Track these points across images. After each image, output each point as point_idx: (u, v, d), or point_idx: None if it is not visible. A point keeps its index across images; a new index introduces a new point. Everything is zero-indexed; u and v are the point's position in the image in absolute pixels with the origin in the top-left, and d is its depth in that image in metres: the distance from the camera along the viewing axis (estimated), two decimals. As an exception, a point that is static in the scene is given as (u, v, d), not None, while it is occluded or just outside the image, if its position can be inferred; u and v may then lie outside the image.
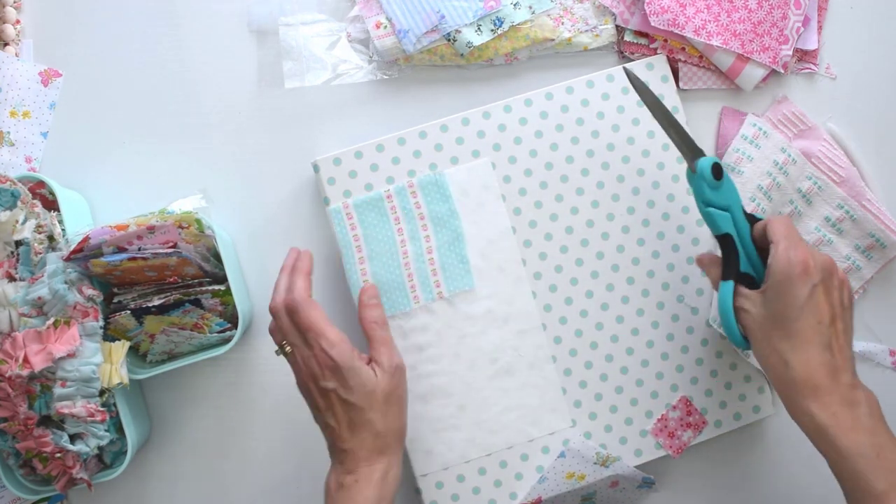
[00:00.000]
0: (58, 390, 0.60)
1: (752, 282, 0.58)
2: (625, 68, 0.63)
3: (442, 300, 0.66)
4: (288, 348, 0.59)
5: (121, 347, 0.63)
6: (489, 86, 0.71)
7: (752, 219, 0.60)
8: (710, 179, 0.58)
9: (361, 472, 0.56)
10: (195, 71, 0.71)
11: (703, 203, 0.59)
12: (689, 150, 0.60)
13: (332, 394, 0.57)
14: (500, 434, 0.66)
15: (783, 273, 0.54)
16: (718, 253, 0.60)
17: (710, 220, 0.59)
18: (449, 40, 0.68)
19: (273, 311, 0.59)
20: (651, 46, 0.70)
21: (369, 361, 0.59)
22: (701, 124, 0.71)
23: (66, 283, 0.61)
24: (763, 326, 0.55)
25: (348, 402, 0.56)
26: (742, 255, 0.58)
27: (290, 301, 0.58)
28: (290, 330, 0.58)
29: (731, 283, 0.57)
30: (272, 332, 0.60)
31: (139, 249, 0.62)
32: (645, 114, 0.68)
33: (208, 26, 0.71)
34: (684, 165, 0.68)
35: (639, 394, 0.67)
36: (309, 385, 0.58)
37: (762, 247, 0.58)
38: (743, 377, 0.68)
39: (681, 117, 0.69)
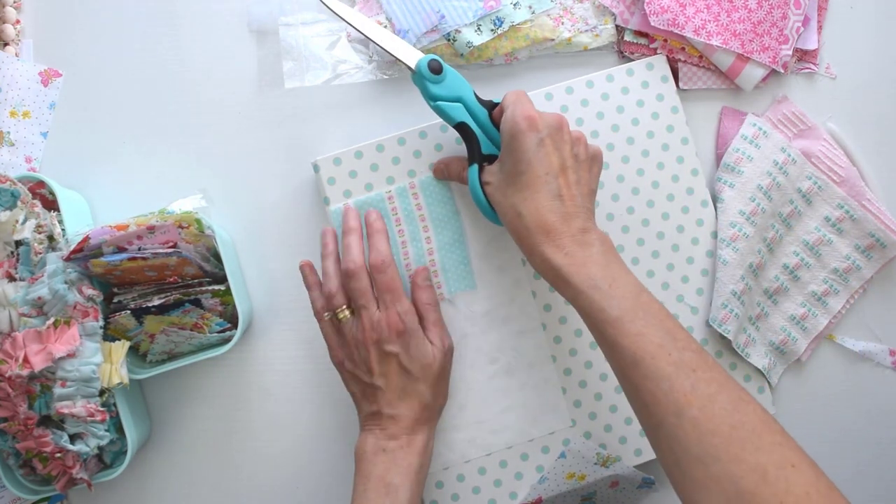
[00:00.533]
0: (58, 390, 0.60)
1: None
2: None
3: (443, 301, 0.66)
4: (347, 312, 0.60)
5: (121, 347, 0.63)
6: (489, 86, 0.71)
7: (489, 104, 0.62)
8: (429, 76, 0.60)
9: (405, 438, 0.59)
10: (195, 71, 0.71)
11: (432, 99, 0.61)
12: (407, 55, 0.62)
13: (394, 358, 0.59)
14: (500, 434, 0.66)
15: (510, 131, 0.57)
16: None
17: (441, 114, 0.61)
18: (449, 40, 0.68)
19: (352, 272, 0.60)
20: (651, 46, 0.70)
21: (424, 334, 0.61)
22: (701, 124, 0.71)
23: (66, 283, 0.61)
24: (500, 188, 0.58)
25: (407, 369, 0.59)
26: (483, 138, 0.61)
27: (381, 261, 0.60)
28: (366, 291, 0.60)
29: (475, 166, 0.61)
30: (330, 295, 0.61)
31: (139, 249, 0.62)
32: (645, 114, 0.68)
33: (208, 26, 0.71)
34: (684, 166, 0.68)
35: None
36: (369, 347, 0.59)
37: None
38: (743, 377, 0.68)
39: (680, 117, 0.69)
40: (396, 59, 0.62)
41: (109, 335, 0.64)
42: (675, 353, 0.50)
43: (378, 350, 0.59)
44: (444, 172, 0.65)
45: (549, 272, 0.55)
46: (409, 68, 0.61)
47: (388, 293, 0.60)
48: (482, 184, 0.60)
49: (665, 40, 0.69)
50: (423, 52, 0.68)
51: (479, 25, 0.68)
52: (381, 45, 0.62)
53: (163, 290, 0.64)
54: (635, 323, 0.51)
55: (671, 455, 0.48)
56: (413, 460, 0.58)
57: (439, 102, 0.61)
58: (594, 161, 0.60)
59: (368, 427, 0.60)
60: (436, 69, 0.60)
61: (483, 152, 0.61)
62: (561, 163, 0.57)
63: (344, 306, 0.61)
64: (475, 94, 0.62)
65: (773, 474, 0.45)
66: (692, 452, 0.47)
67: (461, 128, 0.61)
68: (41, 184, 0.64)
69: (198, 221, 0.63)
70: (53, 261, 0.61)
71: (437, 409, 0.62)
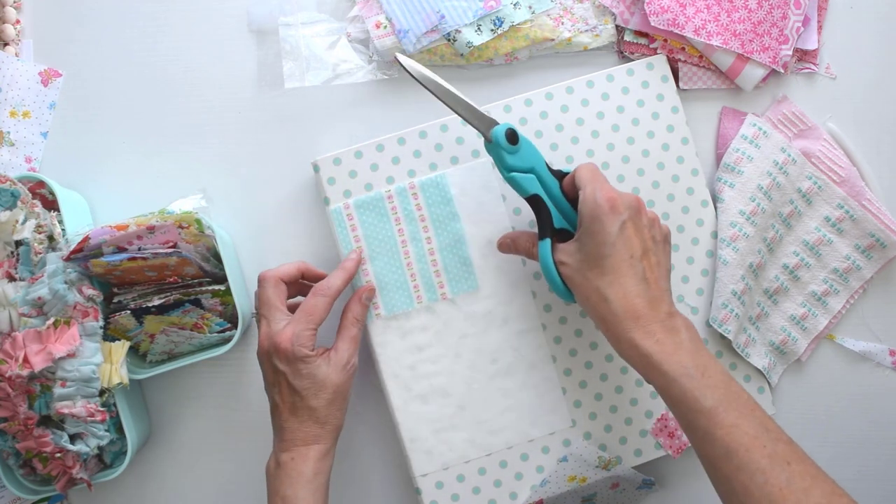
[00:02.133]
0: (58, 390, 0.60)
1: (570, 235, 0.60)
2: (396, 57, 0.61)
3: (445, 301, 0.66)
4: (253, 318, 0.61)
5: (121, 347, 0.63)
6: (489, 86, 0.71)
7: (559, 174, 0.61)
8: (506, 146, 0.59)
9: (298, 450, 0.59)
10: (195, 71, 0.71)
11: (507, 170, 0.59)
12: (481, 122, 0.60)
13: (282, 376, 0.59)
14: (500, 434, 0.66)
15: (592, 213, 0.55)
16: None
17: (515, 185, 0.59)
18: (449, 40, 0.68)
19: (261, 278, 0.62)
20: (651, 46, 0.70)
21: (324, 352, 0.60)
22: (701, 124, 0.71)
23: (66, 283, 0.61)
24: (580, 270, 0.56)
25: (295, 388, 0.59)
26: (554, 212, 0.60)
27: (324, 287, 0.61)
28: (268, 302, 0.61)
29: (548, 241, 0.59)
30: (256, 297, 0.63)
31: (139, 249, 0.62)
32: (645, 114, 0.68)
33: (208, 26, 0.71)
34: (684, 166, 0.68)
35: (638, 394, 0.67)
36: (264, 358, 0.60)
37: (574, 197, 0.59)
38: (742, 377, 0.68)
39: (680, 117, 0.69)
40: (474, 126, 0.60)
41: (109, 335, 0.64)
42: (769, 445, 0.49)
43: (269, 364, 0.60)
44: (511, 247, 0.63)
45: (638, 358, 0.54)
46: (485, 137, 0.59)
47: (301, 313, 0.60)
48: (556, 263, 0.58)
49: (665, 40, 0.69)
50: (423, 51, 0.68)
51: (479, 25, 0.68)
52: (457, 110, 0.60)
53: (163, 290, 0.64)
54: (729, 414, 0.50)
55: None
56: (305, 469, 0.58)
57: (514, 174, 0.59)
58: (666, 241, 0.59)
59: (274, 440, 0.60)
60: (512, 139, 0.59)
61: (555, 226, 0.59)
62: (643, 245, 0.56)
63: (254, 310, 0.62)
64: (546, 163, 0.60)
65: None
66: None
67: (534, 200, 0.59)
68: (41, 184, 0.64)
69: (198, 221, 0.63)
70: (53, 261, 0.61)
71: (331, 426, 0.60)
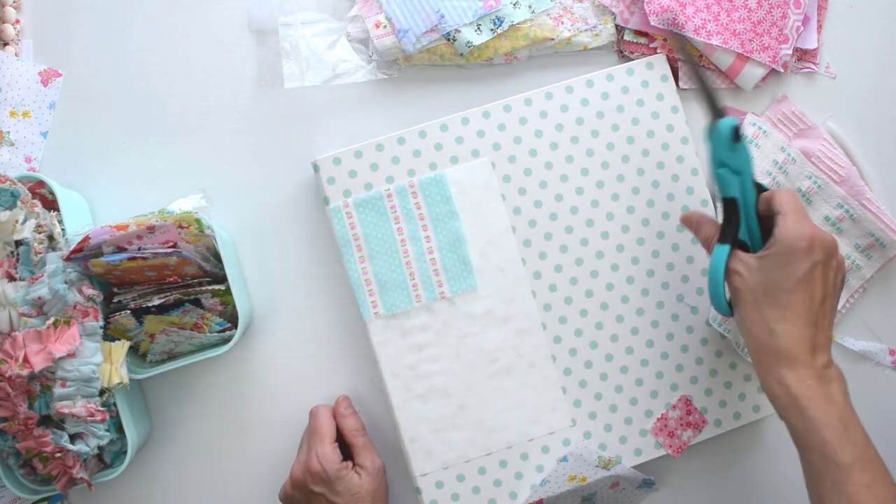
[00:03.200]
0: (58, 390, 0.60)
1: (746, 249, 0.59)
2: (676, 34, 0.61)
3: (444, 300, 0.66)
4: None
5: (121, 347, 0.63)
6: (489, 86, 0.71)
7: (759, 189, 0.59)
8: (727, 142, 0.58)
9: None
10: (195, 71, 0.71)
11: (717, 163, 0.59)
12: (713, 108, 0.60)
13: (321, 497, 0.61)
14: (500, 433, 0.66)
15: (789, 244, 0.54)
16: (719, 217, 0.60)
17: (720, 181, 0.59)
18: (449, 40, 0.68)
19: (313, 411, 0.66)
20: (651, 46, 0.70)
21: (353, 466, 0.63)
22: (701, 124, 0.70)
23: (66, 282, 0.61)
24: (754, 291, 0.55)
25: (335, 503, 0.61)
26: (743, 222, 0.58)
27: (315, 407, 0.67)
28: (315, 431, 0.64)
29: (726, 248, 0.58)
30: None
31: (139, 249, 0.62)
32: (645, 113, 0.68)
33: (208, 26, 0.71)
34: (684, 165, 0.68)
35: (638, 393, 0.67)
36: (297, 491, 0.63)
37: (764, 216, 0.58)
38: (743, 376, 0.68)
39: (680, 116, 0.69)
40: (705, 105, 0.60)
41: (109, 335, 0.64)
42: None
43: (305, 492, 0.62)
44: (693, 225, 0.62)
45: (785, 396, 0.54)
46: (714, 120, 0.59)
47: (313, 436, 0.63)
48: (730, 270, 0.57)
49: (665, 40, 0.69)
50: (422, 51, 0.68)
51: (478, 25, 0.68)
52: (702, 84, 0.61)
53: (163, 290, 0.64)
54: (864, 474, 0.51)
55: None
56: None
57: (721, 171, 0.59)
58: (843, 286, 0.58)
59: None
60: (736, 138, 0.58)
61: (740, 237, 0.59)
62: (825, 291, 0.55)
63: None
64: (753, 175, 0.59)
65: None
66: None
67: (729, 203, 0.59)
68: (41, 184, 0.64)
69: (198, 221, 0.63)
70: (53, 261, 0.61)
71: None
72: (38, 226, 0.62)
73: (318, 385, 0.69)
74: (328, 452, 0.62)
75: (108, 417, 0.62)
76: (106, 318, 0.63)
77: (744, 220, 0.58)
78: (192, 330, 0.64)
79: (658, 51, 0.69)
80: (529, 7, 0.69)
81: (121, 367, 0.62)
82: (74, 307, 0.61)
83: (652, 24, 0.68)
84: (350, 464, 0.63)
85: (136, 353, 0.66)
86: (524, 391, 0.66)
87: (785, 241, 0.55)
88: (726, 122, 0.58)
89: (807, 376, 0.53)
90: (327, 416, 0.65)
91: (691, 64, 0.62)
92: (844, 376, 0.55)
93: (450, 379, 0.65)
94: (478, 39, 0.68)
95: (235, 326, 0.64)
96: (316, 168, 0.67)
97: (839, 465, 0.51)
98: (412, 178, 0.67)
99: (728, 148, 0.58)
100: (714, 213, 0.68)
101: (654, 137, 0.68)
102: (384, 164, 0.67)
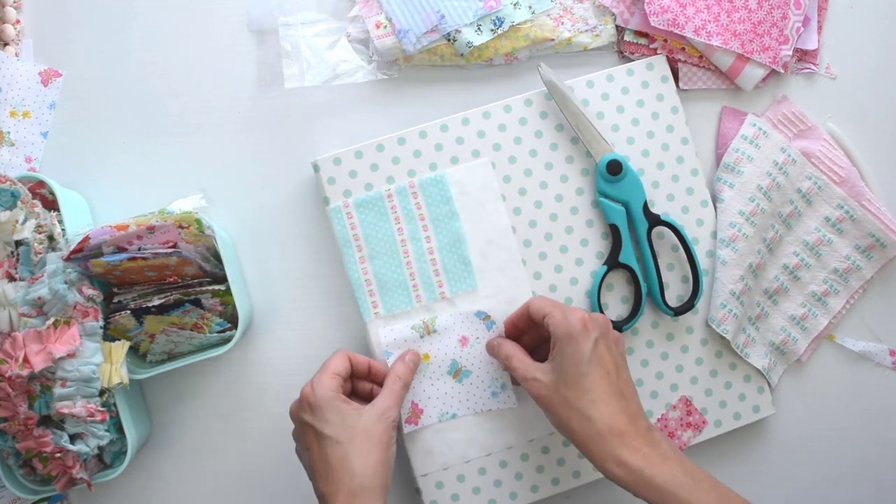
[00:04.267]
0: (58, 390, 0.60)
1: (632, 273, 0.65)
2: (539, 67, 0.66)
3: (444, 300, 0.66)
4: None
5: (121, 347, 0.63)
6: (489, 86, 0.71)
7: (655, 219, 0.66)
8: (604, 173, 0.66)
9: None
10: (195, 71, 0.71)
11: (598, 193, 0.66)
12: (596, 145, 0.66)
13: (309, 428, 0.57)
14: (501, 434, 0.66)
15: (565, 334, 0.56)
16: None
17: (602, 209, 0.66)
18: (449, 40, 0.68)
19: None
20: (651, 46, 0.70)
21: (359, 406, 0.58)
22: (701, 124, 0.71)
23: (66, 283, 0.61)
24: (557, 390, 0.56)
25: (323, 434, 0.56)
26: (626, 248, 0.65)
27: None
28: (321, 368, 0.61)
29: (603, 269, 0.66)
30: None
31: (139, 249, 0.62)
32: (645, 114, 0.68)
33: (208, 26, 0.71)
34: (684, 166, 0.69)
35: (638, 393, 0.67)
36: (294, 421, 0.59)
37: (536, 329, 0.62)
38: (742, 377, 0.68)
39: (680, 117, 0.69)
40: (589, 146, 0.66)
41: (109, 335, 0.64)
42: None
43: (298, 423, 0.59)
44: (500, 356, 0.62)
45: (628, 476, 0.54)
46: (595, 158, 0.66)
47: (321, 367, 0.60)
48: (529, 379, 0.58)
49: (665, 40, 0.69)
50: (423, 51, 0.68)
51: (479, 25, 0.68)
52: (583, 126, 0.66)
53: (163, 290, 0.64)
54: None
55: None
56: None
57: (602, 199, 0.66)
58: (624, 358, 0.59)
59: None
60: (613, 171, 0.65)
61: (619, 260, 0.65)
62: (615, 362, 0.57)
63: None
64: (646, 205, 0.66)
65: None
66: None
67: (612, 229, 0.66)
68: (41, 184, 0.64)
69: (198, 221, 0.63)
70: (53, 261, 0.61)
71: (371, 480, 0.55)
72: (38, 226, 0.62)
73: (318, 385, 0.69)
74: (324, 379, 0.58)
75: (108, 417, 0.62)
76: (106, 318, 0.63)
77: (626, 245, 0.65)
78: (192, 330, 0.64)
79: (658, 51, 0.69)
80: (530, 7, 0.69)
81: (121, 367, 0.62)
82: (74, 307, 0.61)
83: (652, 24, 0.68)
84: (351, 402, 0.58)
85: (136, 353, 0.66)
86: (524, 391, 0.66)
87: (561, 332, 0.56)
88: (603, 158, 0.65)
89: (639, 446, 0.54)
90: (341, 354, 0.61)
91: (572, 110, 0.66)
92: (663, 434, 0.57)
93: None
94: (478, 40, 0.68)
95: (235, 326, 0.64)
96: (316, 168, 0.67)
97: None
98: (412, 178, 0.67)
99: (607, 180, 0.66)
100: (714, 212, 0.68)
101: (654, 138, 0.68)
102: (384, 164, 0.67)
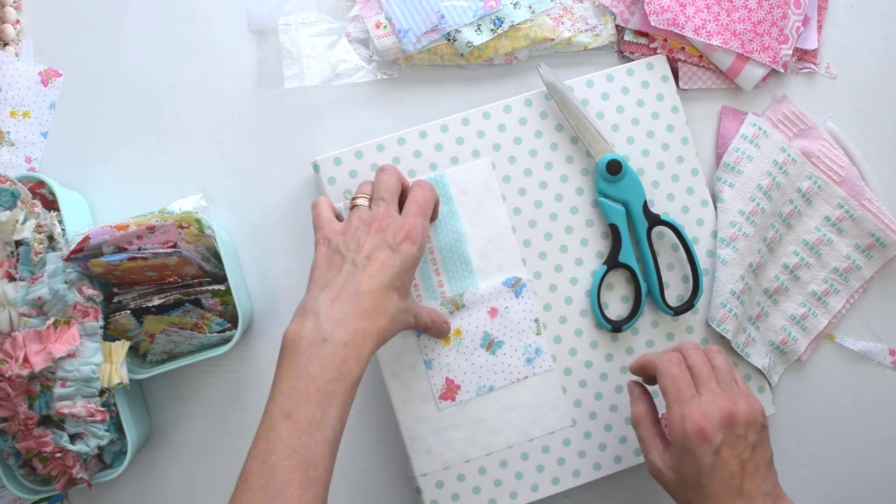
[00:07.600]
0: (58, 390, 0.60)
1: (632, 273, 0.66)
2: (539, 67, 0.66)
3: (444, 300, 0.66)
4: (366, 201, 0.60)
5: (121, 347, 0.63)
6: (489, 86, 0.71)
7: (654, 219, 0.66)
8: (603, 173, 0.65)
9: (351, 332, 0.52)
10: (195, 71, 0.71)
11: (598, 193, 0.66)
12: (595, 145, 0.66)
13: (387, 250, 0.56)
14: (501, 433, 0.66)
15: (683, 444, 0.54)
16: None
17: (602, 209, 0.66)
18: (449, 40, 0.68)
19: (386, 167, 0.61)
20: (651, 46, 0.70)
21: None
22: (701, 124, 0.71)
23: (66, 283, 0.61)
24: (680, 488, 0.55)
25: (389, 265, 0.55)
26: (626, 248, 0.65)
27: (423, 181, 0.62)
28: (391, 188, 0.60)
29: (603, 268, 0.66)
30: (361, 186, 0.62)
31: (139, 249, 0.62)
32: (645, 114, 0.68)
33: (208, 26, 0.71)
34: (684, 166, 0.69)
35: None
36: (373, 232, 0.57)
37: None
38: (742, 377, 0.68)
39: (680, 117, 0.69)
40: (589, 146, 0.66)
41: (109, 335, 0.64)
42: None
43: (381, 238, 0.56)
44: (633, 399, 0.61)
45: None
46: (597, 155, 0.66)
47: (416, 206, 0.59)
48: (656, 470, 0.56)
49: (665, 40, 0.69)
50: (423, 51, 0.68)
51: (479, 25, 0.68)
52: (584, 126, 0.66)
53: (163, 290, 0.64)
54: None
55: None
56: (354, 367, 0.51)
57: (601, 199, 0.66)
58: (763, 431, 0.56)
59: (311, 307, 0.53)
60: (612, 170, 0.65)
61: (619, 259, 0.65)
62: (740, 464, 0.53)
63: (367, 195, 0.60)
64: (646, 205, 0.65)
65: None
66: None
67: (612, 228, 0.66)
68: (41, 184, 0.64)
69: (198, 221, 0.63)
70: (53, 261, 0.61)
71: (400, 315, 0.56)
72: (38, 226, 0.62)
73: (318, 385, 0.69)
74: (425, 230, 0.59)
75: (108, 417, 0.62)
76: (106, 318, 0.63)
77: (626, 245, 0.65)
78: (192, 330, 0.64)
79: (658, 51, 0.69)
80: (529, 7, 0.69)
81: (121, 367, 0.62)
82: (74, 307, 0.61)
83: (652, 24, 0.68)
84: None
85: (136, 353, 0.66)
86: (524, 391, 0.66)
87: (678, 438, 0.54)
88: (603, 158, 0.65)
89: None
90: (431, 195, 0.61)
91: (572, 109, 0.65)
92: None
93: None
94: (478, 40, 0.68)
95: (235, 326, 0.64)
96: (316, 168, 0.67)
97: None
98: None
99: (606, 180, 0.65)
100: (715, 212, 0.68)
101: (654, 138, 0.68)
102: (384, 164, 0.67)
